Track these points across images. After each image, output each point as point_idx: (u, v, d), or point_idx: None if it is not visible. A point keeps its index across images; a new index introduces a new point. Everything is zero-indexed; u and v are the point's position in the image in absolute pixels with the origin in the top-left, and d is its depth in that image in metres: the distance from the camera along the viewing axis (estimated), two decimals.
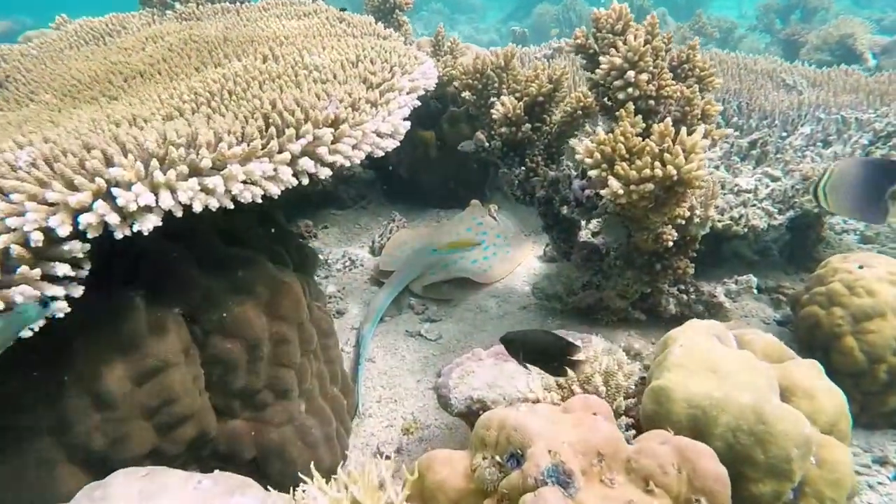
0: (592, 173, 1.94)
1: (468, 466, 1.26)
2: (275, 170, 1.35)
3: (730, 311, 2.35)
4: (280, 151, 1.38)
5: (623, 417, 1.51)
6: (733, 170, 2.70)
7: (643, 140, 1.88)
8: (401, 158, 3.57)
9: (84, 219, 1.12)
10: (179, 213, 1.22)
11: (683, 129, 1.85)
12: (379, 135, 1.60)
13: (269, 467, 1.61)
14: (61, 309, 1.13)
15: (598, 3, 2.26)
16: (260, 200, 1.33)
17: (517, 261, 3.05)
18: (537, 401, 1.56)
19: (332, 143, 1.47)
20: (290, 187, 1.39)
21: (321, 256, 3.21)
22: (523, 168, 2.58)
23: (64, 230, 1.10)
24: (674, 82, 2.10)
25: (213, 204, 1.26)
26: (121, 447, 1.36)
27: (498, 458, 1.21)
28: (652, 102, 2.08)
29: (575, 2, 10.68)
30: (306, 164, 1.41)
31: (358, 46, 2.02)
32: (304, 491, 1.25)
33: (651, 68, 2.05)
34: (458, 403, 1.70)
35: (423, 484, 1.28)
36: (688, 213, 2.03)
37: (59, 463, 1.32)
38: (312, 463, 1.38)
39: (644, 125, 1.99)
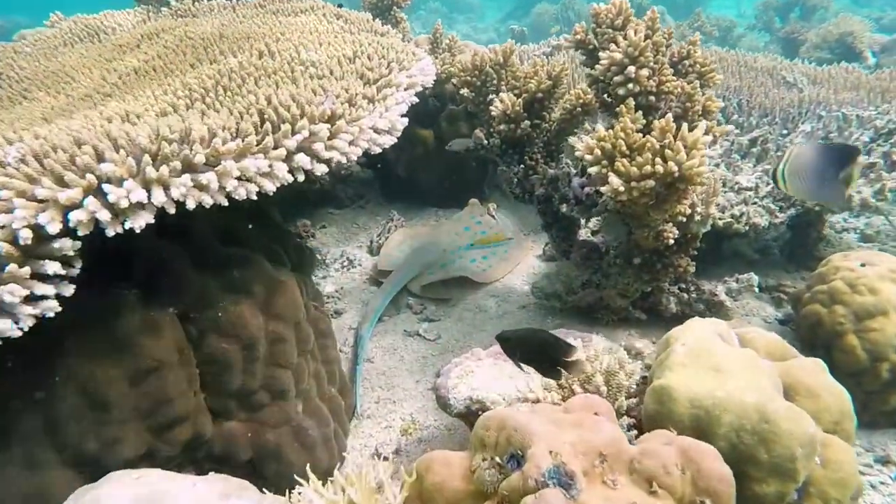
0: (593, 170, 1.92)
1: (467, 468, 1.24)
2: (270, 166, 1.33)
3: (731, 310, 2.34)
4: (275, 147, 1.36)
5: (625, 417, 1.49)
6: (734, 167, 2.69)
7: (644, 136, 1.86)
8: (399, 157, 3.55)
9: (74, 216, 1.10)
10: (172, 210, 1.20)
11: (685, 125, 1.83)
12: (376, 131, 1.58)
13: (265, 469, 1.59)
14: (52, 308, 1.11)
15: (597, 0, 2.24)
16: (255, 197, 1.31)
17: (516, 260, 3.04)
18: (537, 401, 1.54)
19: (329, 139, 1.45)
20: (286, 184, 1.37)
21: (319, 256, 3.19)
22: (522, 166, 2.56)
23: (54, 227, 1.08)
24: (674, 78, 2.08)
25: (207, 201, 1.24)
26: (114, 449, 1.34)
27: (498, 459, 1.19)
28: (652, 98, 2.06)
29: (574, 1, 10.66)
30: (302, 160, 1.39)
31: (355, 43, 2.00)
32: (300, 493, 1.23)
33: (651, 64, 2.03)
34: (457, 404, 1.68)
35: (421, 486, 1.26)
36: (689, 211, 2.01)
37: (50, 465, 1.30)
38: (309, 465, 1.37)
39: (644, 121, 1.97)
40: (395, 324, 2.69)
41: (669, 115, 1.91)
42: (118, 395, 1.34)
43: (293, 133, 1.39)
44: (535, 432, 1.17)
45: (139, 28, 2.50)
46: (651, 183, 1.80)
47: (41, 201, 1.11)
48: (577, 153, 1.98)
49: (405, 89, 1.80)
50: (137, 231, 1.16)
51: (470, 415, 1.63)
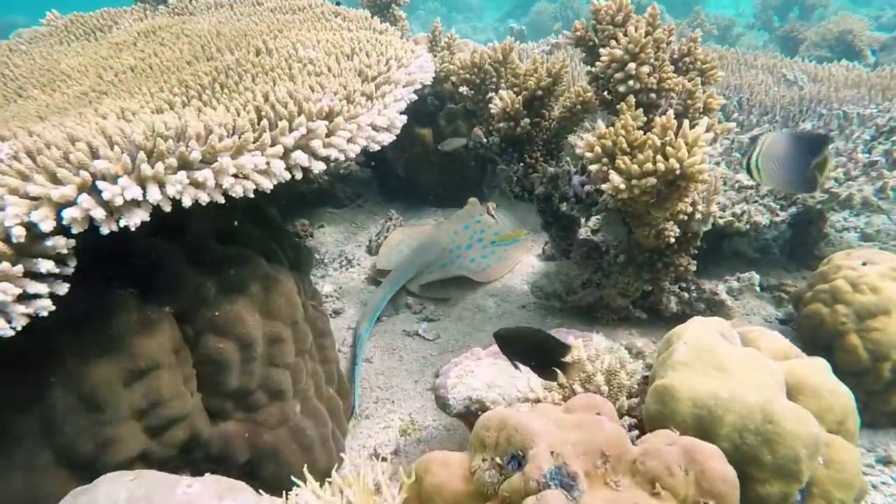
0: (593, 168, 1.91)
1: (467, 469, 1.23)
2: (267, 163, 1.32)
3: (732, 310, 2.32)
4: (272, 144, 1.34)
5: (626, 417, 1.47)
6: (734, 166, 2.67)
7: (645, 134, 1.85)
8: (397, 156, 3.53)
9: (68, 213, 1.08)
10: (168, 208, 1.18)
11: (686, 123, 1.82)
12: (374, 128, 1.57)
13: (262, 470, 1.57)
14: (45, 307, 1.10)
15: None
16: (252, 195, 1.29)
17: (516, 259, 3.02)
18: (538, 400, 1.52)
19: (327, 136, 1.44)
20: (284, 181, 1.35)
21: (317, 255, 3.18)
22: (522, 164, 2.54)
23: (47, 225, 1.07)
24: (675, 75, 2.07)
25: (204, 198, 1.22)
26: (109, 450, 1.32)
27: (498, 459, 1.17)
28: (653, 95, 2.05)
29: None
30: (299, 157, 1.37)
31: (353, 40, 1.98)
32: (297, 494, 1.22)
33: (652, 60, 2.02)
34: (456, 404, 1.66)
35: (420, 487, 1.24)
36: (690, 209, 1.99)
37: (45, 466, 1.28)
38: (307, 465, 1.35)
39: (645, 119, 1.96)
40: (394, 323, 2.68)
41: (670, 112, 1.89)
42: (113, 396, 1.32)
43: (290, 130, 1.38)
44: (536, 432, 1.15)
45: (136, 26, 2.48)
46: (652, 180, 1.79)
47: (34, 198, 1.09)
48: (577, 151, 1.96)
49: (404, 86, 1.78)
50: (133, 229, 1.14)
51: (469, 415, 1.62)
